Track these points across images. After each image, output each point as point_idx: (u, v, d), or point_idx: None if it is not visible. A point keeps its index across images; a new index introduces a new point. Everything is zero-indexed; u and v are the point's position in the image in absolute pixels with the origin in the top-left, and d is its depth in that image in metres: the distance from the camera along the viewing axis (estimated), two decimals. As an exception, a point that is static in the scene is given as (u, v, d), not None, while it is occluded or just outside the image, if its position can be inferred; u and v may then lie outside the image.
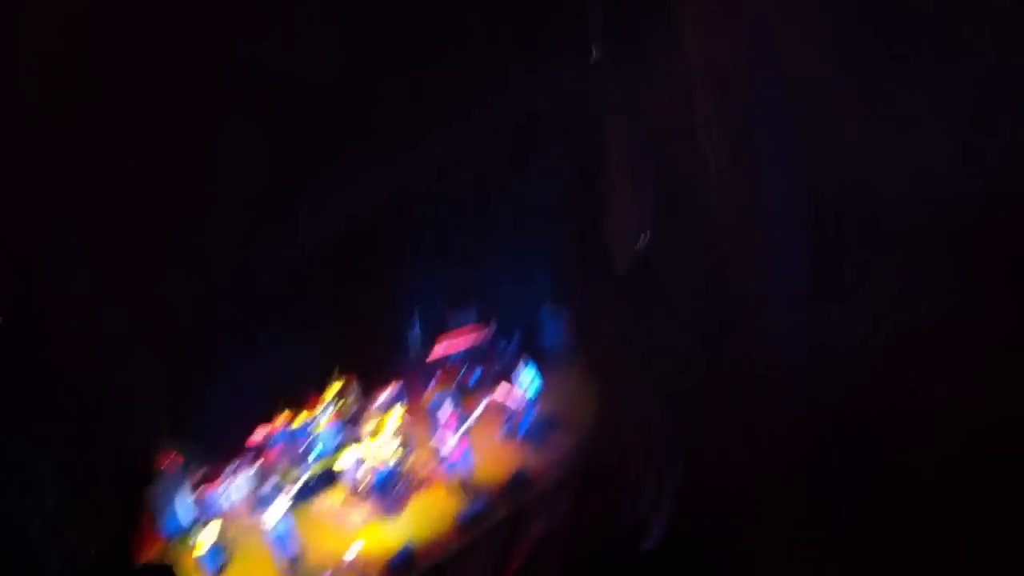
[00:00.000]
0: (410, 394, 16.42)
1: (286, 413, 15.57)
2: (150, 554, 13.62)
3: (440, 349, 17.04)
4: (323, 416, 15.52)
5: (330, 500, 14.32)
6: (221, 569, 13.66)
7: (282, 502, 13.59)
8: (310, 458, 15.15)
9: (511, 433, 15.16)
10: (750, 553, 11.40)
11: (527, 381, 15.19)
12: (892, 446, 10.82)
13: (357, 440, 15.22)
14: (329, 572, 13.14)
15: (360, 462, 14.62)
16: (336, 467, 14.94)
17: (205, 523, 14.32)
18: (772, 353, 12.68)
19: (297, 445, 15.22)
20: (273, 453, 15.54)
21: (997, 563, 8.51)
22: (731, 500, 12.18)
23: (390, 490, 14.21)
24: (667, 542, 12.66)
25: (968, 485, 9.68)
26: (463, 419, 14.27)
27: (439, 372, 16.68)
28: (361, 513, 14.25)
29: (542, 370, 15.47)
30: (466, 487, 14.22)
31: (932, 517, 9.53)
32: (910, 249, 12.14)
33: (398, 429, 15.17)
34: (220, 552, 13.77)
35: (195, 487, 14.86)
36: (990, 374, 11.10)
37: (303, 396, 16.10)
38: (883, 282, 12.46)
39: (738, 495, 12.17)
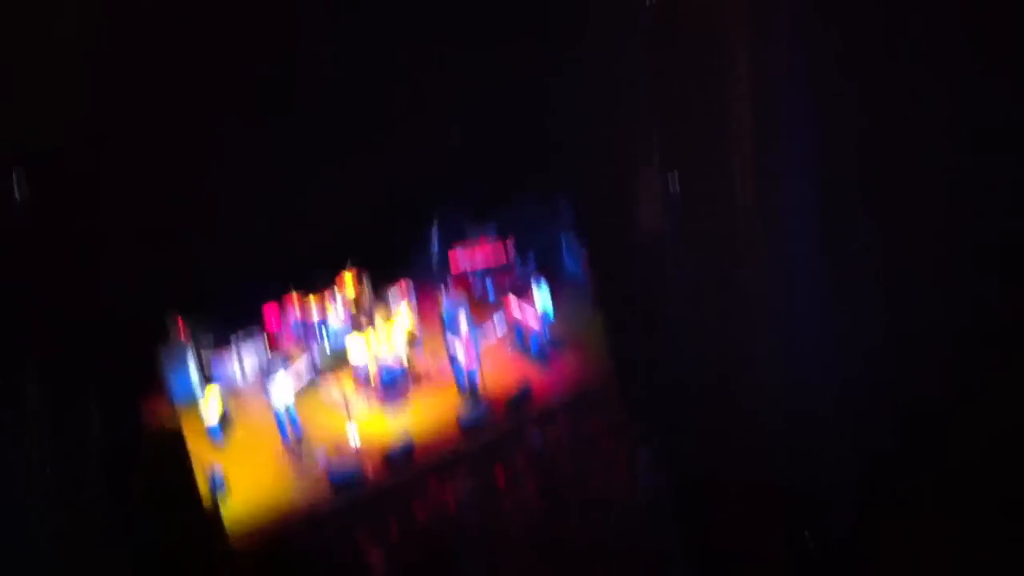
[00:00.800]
0: (423, 296, 16.66)
1: (297, 296, 15.71)
2: (157, 417, 13.85)
3: (457, 257, 17.20)
4: (334, 303, 15.67)
5: (335, 385, 14.53)
6: (224, 435, 13.95)
7: (288, 381, 13.80)
8: (319, 341, 15.33)
9: (520, 348, 15.44)
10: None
11: (541, 300, 15.39)
12: (893, 443, 11.11)
13: (366, 331, 15.45)
14: (326, 456, 13.47)
15: (368, 352, 14.85)
16: (343, 353, 15.18)
17: (212, 392, 14.61)
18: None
19: (307, 327, 15.39)
20: (282, 332, 15.75)
21: (996, 561, 8.79)
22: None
23: (395, 384, 14.49)
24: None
25: (969, 483, 9.94)
26: (474, 328, 14.45)
27: (454, 279, 16.86)
28: (365, 402, 14.56)
29: (556, 291, 15.70)
30: (470, 393, 14.54)
31: (932, 514, 9.78)
32: (914, 248, 12.57)
33: (408, 327, 15.40)
34: (225, 421, 14.06)
35: (203, 356, 15.09)
36: (989, 373, 11.49)
37: (315, 283, 16.29)
38: (887, 281, 12.89)
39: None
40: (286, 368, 14.01)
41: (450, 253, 17.40)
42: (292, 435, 13.86)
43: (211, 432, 13.85)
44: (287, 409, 13.80)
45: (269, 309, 15.88)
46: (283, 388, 13.67)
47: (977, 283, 11.74)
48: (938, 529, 9.42)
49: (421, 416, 14.31)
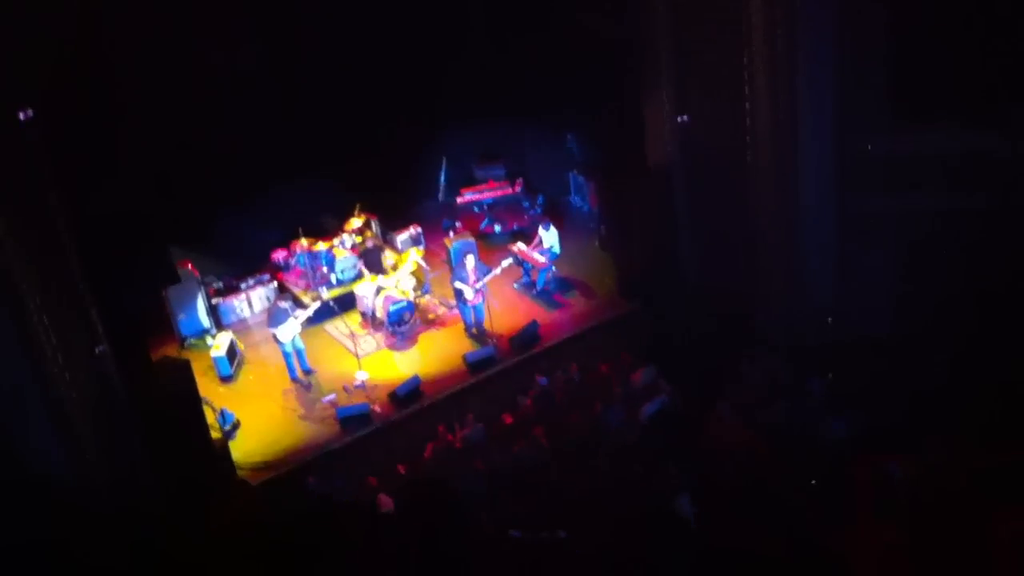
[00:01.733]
0: (431, 239, 16.68)
1: (306, 239, 15.74)
2: (165, 352, 13.97)
3: (465, 198, 17.17)
4: (343, 246, 15.71)
5: (344, 325, 14.61)
6: (233, 375, 14.10)
7: (297, 321, 13.87)
8: (328, 284, 15.40)
9: (526, 288, 15.45)
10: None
11: (548, 240, 15.36)
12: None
13: (374, 273, 15.48)
14: (334, 395, 13.59)
15: (376, 293, 14.90)
16: (352, 296, 15.24)
17: (221, 331, 14.74)
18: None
19: (316, 269, 15.45)
20: (291, 276, 15.82)
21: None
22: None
23: (403, 324, 14.55)
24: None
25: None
26: (481, 268, 14.45)
27: (462, 221, 16.86)
28: (373, 341, 14.65)
29: (563, 231, 15.67)
30: (476, 332, 14.58)
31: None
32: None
33: (416, 269, 15.43)
34: (234, 359, 14.19)
35: (213, 297, 15.21)
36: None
37: (325, 228, 16.31)
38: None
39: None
40: (293, 310, 14.09)
41: (458, 195, 17.38)
42: (301, 374, 13.97)
43: (220, 371, 13.98)
44: (295, 348, 13.89)
45: (278, 254, 15.96)
46: (292, 327, 13.74)
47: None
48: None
49: (428, 354, 14.39)
